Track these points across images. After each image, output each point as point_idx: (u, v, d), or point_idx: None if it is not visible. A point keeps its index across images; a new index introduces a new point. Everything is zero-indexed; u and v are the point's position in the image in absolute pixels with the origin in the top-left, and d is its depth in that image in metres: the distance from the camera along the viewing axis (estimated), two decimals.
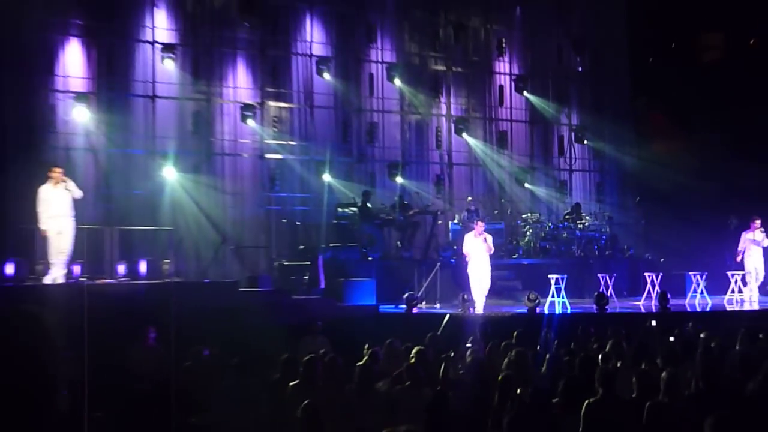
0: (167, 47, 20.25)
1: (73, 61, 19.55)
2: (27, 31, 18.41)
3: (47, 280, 15.04)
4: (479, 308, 17.22)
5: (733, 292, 19.47)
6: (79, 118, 19.13)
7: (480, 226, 18.07)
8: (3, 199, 17.54)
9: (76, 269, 15.70)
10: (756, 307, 18.70)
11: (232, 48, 21.37)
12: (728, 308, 18.74)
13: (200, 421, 8.74)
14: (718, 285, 19.73)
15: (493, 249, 17.91)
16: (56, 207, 14.84)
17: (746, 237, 19.28)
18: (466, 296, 17.47)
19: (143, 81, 20.22)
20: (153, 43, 20.30)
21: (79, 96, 19.20)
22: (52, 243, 14.98)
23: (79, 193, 15.14)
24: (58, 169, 15.22)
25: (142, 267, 17.14)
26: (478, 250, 17.59)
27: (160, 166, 19.73)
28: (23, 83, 18.51)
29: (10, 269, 15.64)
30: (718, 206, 23.27)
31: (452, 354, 11.33)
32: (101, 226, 17.18)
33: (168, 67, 20.29)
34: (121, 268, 16.86)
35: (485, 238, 17.72)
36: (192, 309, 14.02)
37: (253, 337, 11.96)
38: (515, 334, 12.87)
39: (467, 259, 17.77)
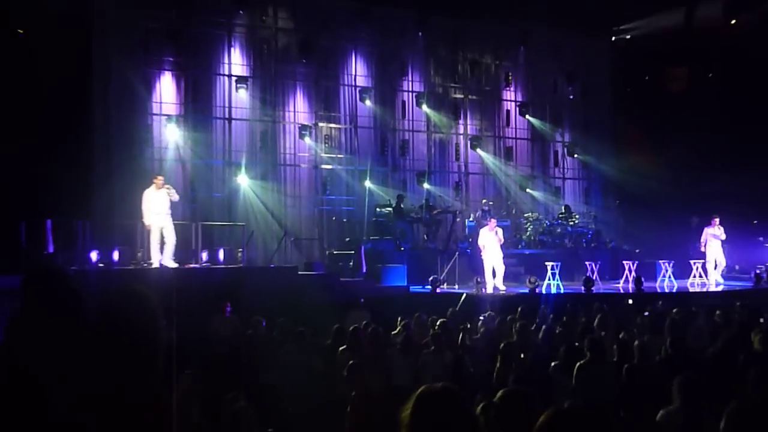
0: (240, 79, 20.36)
1: (166, 89, 19.76)
2: (130, 66, 18.61)
3: (155, 264, 15.28)
4: (489, 289, 17.16)
5: (694, 276, 19.37)
6: (170, 135, 19.36)
7: (493, 222, 18.05)
8: (110, 200, 17.67)
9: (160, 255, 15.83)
10: (714, 289, 18.59)
11: (292, 80, 21.43)
12: (691, 290, 18.62)
13: (267, 380, 8.74)
14: (682, 271, 19.62)
15: (503, 240, 17.87)
16: (158, 206, 15.15)
17: (708, 231, 19.16)
18: (479, 279, 17.42)
19: (221, 106, 20.36)
20: (229, 75, 20.42)
21: (170, 117, 19.44)
22: (154, 235, 15.25)
23: (176, 197, 15.43)
24: (161, 177, 15.64)
25: (221, 255, 17.36)
26: (491, 242, 17.53)
27: (234, 174, 19.92)
28: (127, 107, 18.73)
29: (115, 256, 15.81)
30: (682, 208, 23.11)
31: (468, 325, 11.28)
32: (188, 222, 17.22)
33: (241, 95, 20.40)
34: (204, 256, 16.98)
35: (497, 232, 17.70)
36: (260, 288, 14.11)
37: (308, 311, 11.98)
38: (519, 309, 12.80)
39: (482, 250, 17.71)
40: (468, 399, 3.01)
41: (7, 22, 16.03)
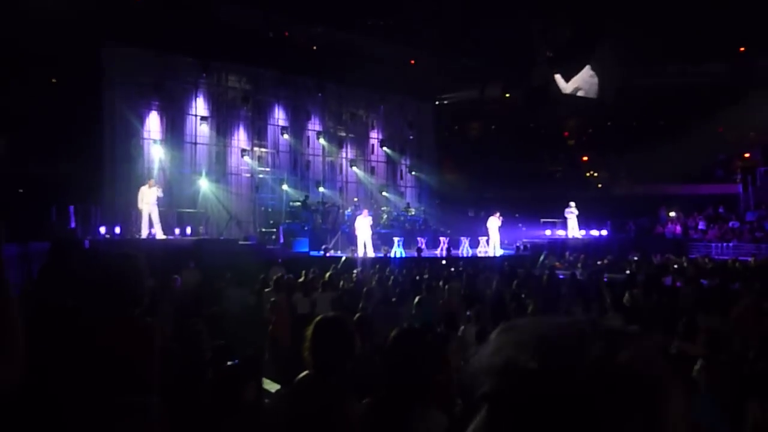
0: (203, 118, 19.69)
1: (153, 122, 18.83)
2: (128, 106, 17.81)
3: (144, 235, 14.90)
4: (360, 254, 17.24)
5: (481, 247, 20.04)
6: (155, 153, 18.52)
7: (365, 212, 18.22)
8: (114, 193, 17.02)
9: (153, 230, 15.29)
10: (492, 255, 19.29)
11: (237, 119, 20.84)
12: (479, 255, 19.26)
13: (217, 311, 8.49)
14: (474, 244, 20.25)
15: (372, 223, 18.20)
16: (148, 198, 14.92)
17: (491, 219, 19.86)
18: (353, 248, 17.51)
19: (190, 134, 19.58)
20: (195, 115, 19.67)
21: (156, 141, 18.58)
22: (144, 217, 14.96)
23: (161, 194, 15.22)
24: (152, 180, 15.55)
25: (188, 230, 16.82)
26: (364, 225, 17.65)
27: (198, 179, 19.18)
28: (125, 134, 17.83)
29: (117, 230, 15.27)
30: (475, 205, 23.94)
31: (346, 275, 11.32)
32: (167, 209, 16.68)
33: (203, 128, 19.72)
34: (177, 230, 16.48)
35: (369, 218, 17.93)
36: (213, 252, 13.72)
37: (245, 267, 11.69)
38: (377, 266, 12.95)
39: (356, 230, 17.81)
40: (351, 323, 3.02)
41: (45, 73, 15.12)
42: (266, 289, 9.17)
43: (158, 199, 15.18)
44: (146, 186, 15.15)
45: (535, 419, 0.57)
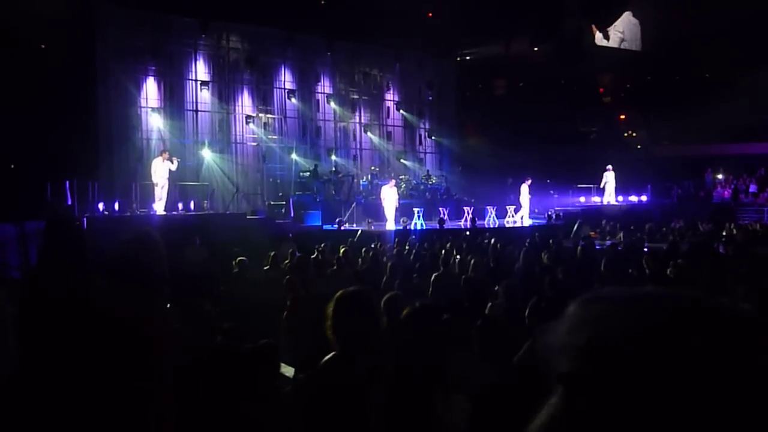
0: (204, 83, 19.68)
1: (151, 89, 18.90)
2: (124, 72, 17.88)
3: (160, 211, 15.23)
4: (390, 227, 17.23)
5: (509, 216, 19.95)
6: (154, 122, 18.63)
7: (392, 182, 18.39)
8: (111, 167, 17.16)
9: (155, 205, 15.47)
10: (522, 225, 19.21)
11: (240, 83, 20.78)
12: (507, 225, 19.20)
13: (225, 289, 8.57)
14: (501, 213, 20.15)
15: (398, 195, 18.38)
16: (161, 172, 15.14)
17: (523, 186, 19.78)
18: (370, 220, 17.52)
19: (190, 101, 19.59)
20: (195, 80, 19.65)
21: (154, 109, 18.66)
22: (157, 191, 15.18)
23: (174, 167, 15.30)
24: (166, 153, 15.53)
25: (192, 205, 16.93)
26: (391, 196, 17.76)
27: (200, 149, 19.28)
28: (122, 102, 17.93)
29: (116, 206, 15.44)
30: (501, 172, 23.71)
31: (363, 250, 11.33)
32: (168, 182, 16.81)
33: (204, 94, 19.72)
34: (180, 206, 16.59)
35: (396, 189, 18.09)
36: (219, 227, 13.84)
37: (254, 243, 11.79)
38: (396, 240, 12.93)
39: (383, 201, 17.84)
40: (374, 297, 3.01)
41: (32, 39, 15.10)
42: (265, 267, 9.21)
43: (170, 172, 15.30)
44: (160, 158, 15.30)
45: (626, 409, 0.53)
